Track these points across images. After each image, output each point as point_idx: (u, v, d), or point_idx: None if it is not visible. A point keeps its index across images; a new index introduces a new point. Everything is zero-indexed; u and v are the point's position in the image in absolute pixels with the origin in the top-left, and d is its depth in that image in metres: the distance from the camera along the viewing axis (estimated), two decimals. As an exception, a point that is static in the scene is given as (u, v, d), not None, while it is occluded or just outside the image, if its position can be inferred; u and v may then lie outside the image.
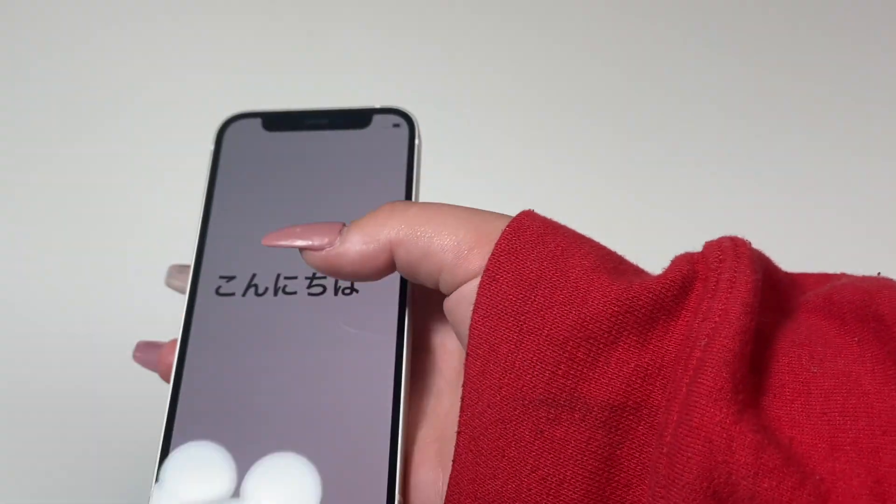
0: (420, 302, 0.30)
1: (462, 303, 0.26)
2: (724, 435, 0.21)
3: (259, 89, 0.67)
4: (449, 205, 0.27)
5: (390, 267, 0.27)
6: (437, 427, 0.28)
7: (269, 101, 0.68)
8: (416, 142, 0.31)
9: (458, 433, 0.25)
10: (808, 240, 0.61)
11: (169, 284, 0.34)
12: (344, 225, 0.27)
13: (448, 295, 0.26)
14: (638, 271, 0.26)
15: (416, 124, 0.31)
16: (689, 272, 0.24)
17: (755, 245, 0.26)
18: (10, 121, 0.66)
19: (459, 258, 0.25)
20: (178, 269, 0.33)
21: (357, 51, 0.69)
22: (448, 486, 0.25)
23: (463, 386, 0.25)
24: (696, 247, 0.26)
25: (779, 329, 0.25)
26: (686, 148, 0.66)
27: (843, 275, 0.27)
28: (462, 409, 0.25)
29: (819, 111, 0.67)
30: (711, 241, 0.26)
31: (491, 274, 0.25)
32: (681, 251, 0.26)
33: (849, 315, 0.24)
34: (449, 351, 0.30)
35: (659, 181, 0.64)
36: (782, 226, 0.62)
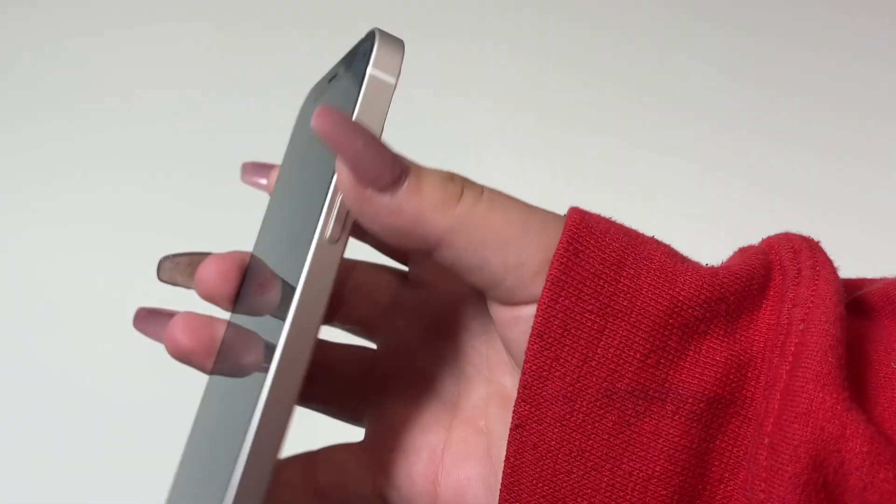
0: (425, 277, 0.28)
1: (519, 323, 0.23)
2: (837, 422, 0.20)
3: (259, 89, 0.67)
4: (522, 206, 0.23)
5: (422, 253, 0.23)
6: (473, 419, 0.26)
7: (268, 100, 0.68)
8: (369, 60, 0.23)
9: (515, 427, 0.22)
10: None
11: (172, 280, 0.28)
12: (406, 173, 0.22)
13: (497, 306, 0.23)
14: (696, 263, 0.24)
15: (374, 41, 0.24)
16: (766, 261, 0.23)
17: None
18: (10, 121, 0.66)
19: (520, 282, 0.22)
20: (172, 260, 0.28)
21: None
22: (503, 488, 0.23)
23: (522, 375, 0.22)
24: (698, 248, 0.26)
25: (851, 324, 0.23)
26: (686, 149, 0.66)
27: (883, 278, 0.26)
28: (520, 401, 0.22)
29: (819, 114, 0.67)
30: (773, 236, 0.24)
31: (568, 250, 0.22)
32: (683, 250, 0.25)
33: None
34: (473, 334, 0.27)
35: (657, 179, 0.64)
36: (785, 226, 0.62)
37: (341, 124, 0.22)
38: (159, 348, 0.26)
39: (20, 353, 0.60)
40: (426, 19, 0.71)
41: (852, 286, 0.25)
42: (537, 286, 0.22)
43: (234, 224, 0.64)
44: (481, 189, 0.23)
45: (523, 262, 0.22)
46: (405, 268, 0.29)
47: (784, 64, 0.70)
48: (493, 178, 0.25)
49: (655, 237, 0.23)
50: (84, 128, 0.66)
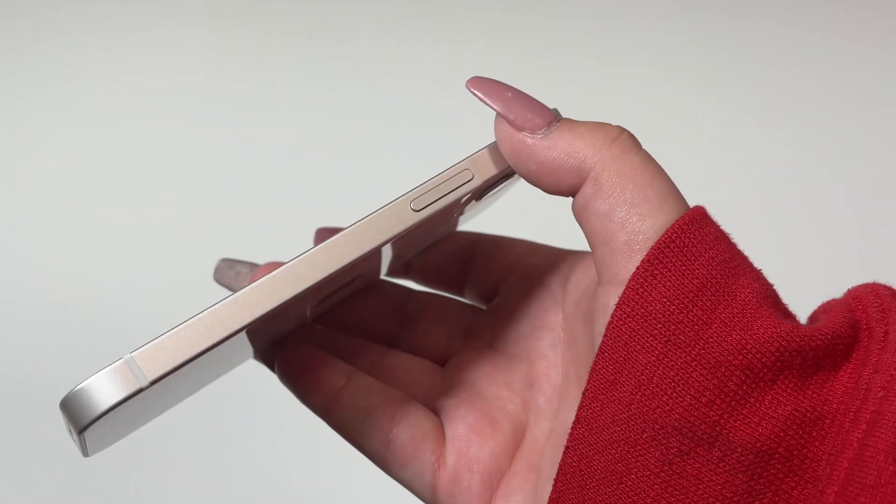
0: (518, 301, 0.28)
1: (614, 289, 0.22)
2: None
3: (257, 89, 0.67)
4: (663, 173, 0.23)
5: (571, 191, 0.23)
6: (534, 453, 0.26)
7: (269, 100, 0.68)
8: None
9: (567, 449, 0.22)
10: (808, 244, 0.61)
11: (228, 285, 0.29)
12: (556, 117, 0.23)
13: (600, 274, 0.23)
14: (792, 315, 0.23)
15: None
16: (853, 320, 0.22)
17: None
18: (10, 121, 0.66)
19: (632, 246, 0.22)
20: (232, 267, 0.29)
21: (357, 51, 0.69)
22: None
23: (583, 394, 0.22)
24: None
25: None
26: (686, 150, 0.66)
27: None
28: (576, 422, 0.22)
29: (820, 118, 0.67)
30: (860, 288, 0.23)
31: (648, 268, 0.21)
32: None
33: None
34: (549, 363, 0.27)
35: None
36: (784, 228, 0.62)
37: (490, 81, 0.24)
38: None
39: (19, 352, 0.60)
40: (426, 19, 0.71)
41: None
42: (627, 269, 0.21)
43: (235, 225, 0.64)
44: (638, 143, 0.23)
45: (638, 230, 0.22)
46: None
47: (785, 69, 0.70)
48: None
49: (762, 272, 0.22)
50: (81, 128, 0.66)
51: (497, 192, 0.27)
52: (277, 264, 0.23)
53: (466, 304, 0.30)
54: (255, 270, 0.28)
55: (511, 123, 0.23)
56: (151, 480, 0.57)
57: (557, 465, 0.23)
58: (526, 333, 0.27)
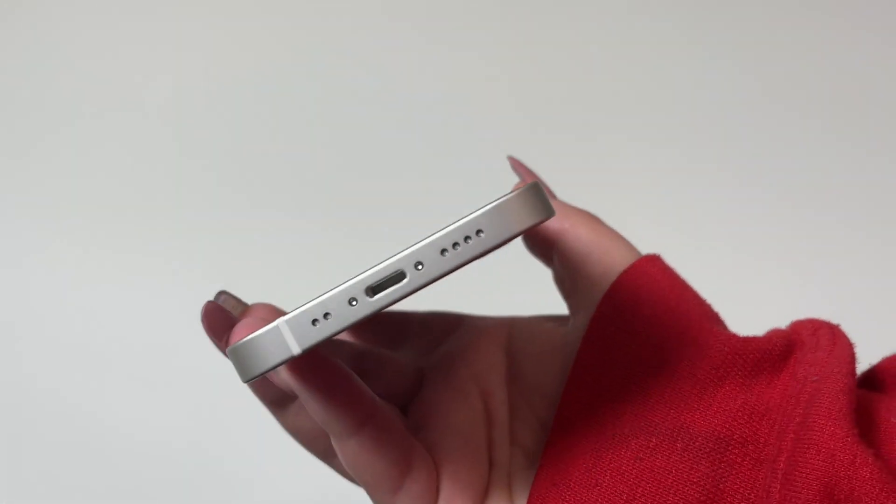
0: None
1: (585, 317, 0.26)
2: (848, 451, 0.21)
3: (258, 90, 0.67)
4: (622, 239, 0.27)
5: (545, 253, 0.28)
6: (503, 480, 0.27)
7: (268, 101, 0.68)
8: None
9: (541, 467, 0.25)
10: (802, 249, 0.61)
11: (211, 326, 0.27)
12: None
13: (573, 304, 0.27)
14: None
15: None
16: (787, 337, 0.25)
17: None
18: (9, 121, 0.66)
19: (603, 278, 0.26)
20: (226, 299, 0.27)
21: (358, 49, 0.69)
22: None
23: (555, 417, 0.25)
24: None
25: (865, 396, 0.25)
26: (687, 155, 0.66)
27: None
28: (549, 444, 0.25)
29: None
30: (799, 320, 0.27)
31: (613, 298, 0.25)
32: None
33: None
34: (499, 400, 0.28)
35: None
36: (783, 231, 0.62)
37: (522, 166, 0.30)
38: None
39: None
40: (426, 20, 0.71)
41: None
42: (596, 298, 0.26)
43: (234, 226, 0.64)
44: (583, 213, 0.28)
45: (608, 267, 0.27)
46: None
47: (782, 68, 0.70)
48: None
49: (704, 300, 0.26)
50: (78, 128, 0.66)
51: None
52: (269, 307, 0.26)
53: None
54: (245, 312, 0.27)
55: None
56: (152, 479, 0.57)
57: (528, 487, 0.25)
58: (476, 373, 0.28)
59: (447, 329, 0.30)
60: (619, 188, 0.64)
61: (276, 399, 0.26)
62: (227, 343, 0.25)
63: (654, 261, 0.26)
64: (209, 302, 0.26)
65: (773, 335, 0.25)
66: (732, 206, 0.63)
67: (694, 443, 0.23)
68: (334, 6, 0.68)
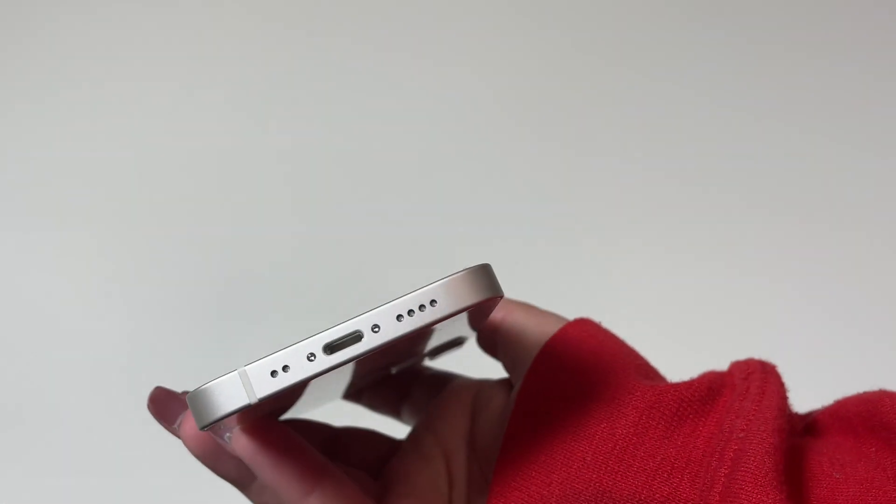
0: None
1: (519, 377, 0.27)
2: None
3: (257, 89, 0.67)
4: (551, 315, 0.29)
5: (492, 346, 0.29)
6: None
7: (268, 101, 0.68)
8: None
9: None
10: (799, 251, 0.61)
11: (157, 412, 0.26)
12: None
13: (513, 370, 0.28)
14: (660, 378, 0.27)
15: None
16: (717, 380, 0.25)
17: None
18: (9, 121, 0.67)
19: (536, 342, 0.27)
20: (168, 394, 0.26)
21: (356, 51, 0.69)
22: None
23: (491, 484, 0.26)
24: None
25: (797, 441, 0.25)
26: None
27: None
28: (494, 475, 0.26)
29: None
30: (738, 360, 0.27)
31: (535, 368, 0.26)
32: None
33: (859, 426, 0.25)
34: (459, 462, 0.29)
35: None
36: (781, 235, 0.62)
37: None
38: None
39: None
40: (426, 19, 0.70)
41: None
42: (529, 359, 0.27)
43: (229, 223, 0.64)
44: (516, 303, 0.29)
45: (541, 332, 0.28)
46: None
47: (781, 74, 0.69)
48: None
49: (637, 352, 0.27)
50: (75, 128, 0.66)
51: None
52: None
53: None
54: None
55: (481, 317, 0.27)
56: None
57: None
58: (442, 436, 0.30)
59: (439, 389, 0.32)
60: (608, 202, 0.64)
61: (237, 477, 0.26)
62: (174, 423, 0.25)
63: (584, 324, 0.27)
64: (156, 387, 0.26)
65: (698, 379, 0.25)
66: (719, 214, 0.63)
67: None
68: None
